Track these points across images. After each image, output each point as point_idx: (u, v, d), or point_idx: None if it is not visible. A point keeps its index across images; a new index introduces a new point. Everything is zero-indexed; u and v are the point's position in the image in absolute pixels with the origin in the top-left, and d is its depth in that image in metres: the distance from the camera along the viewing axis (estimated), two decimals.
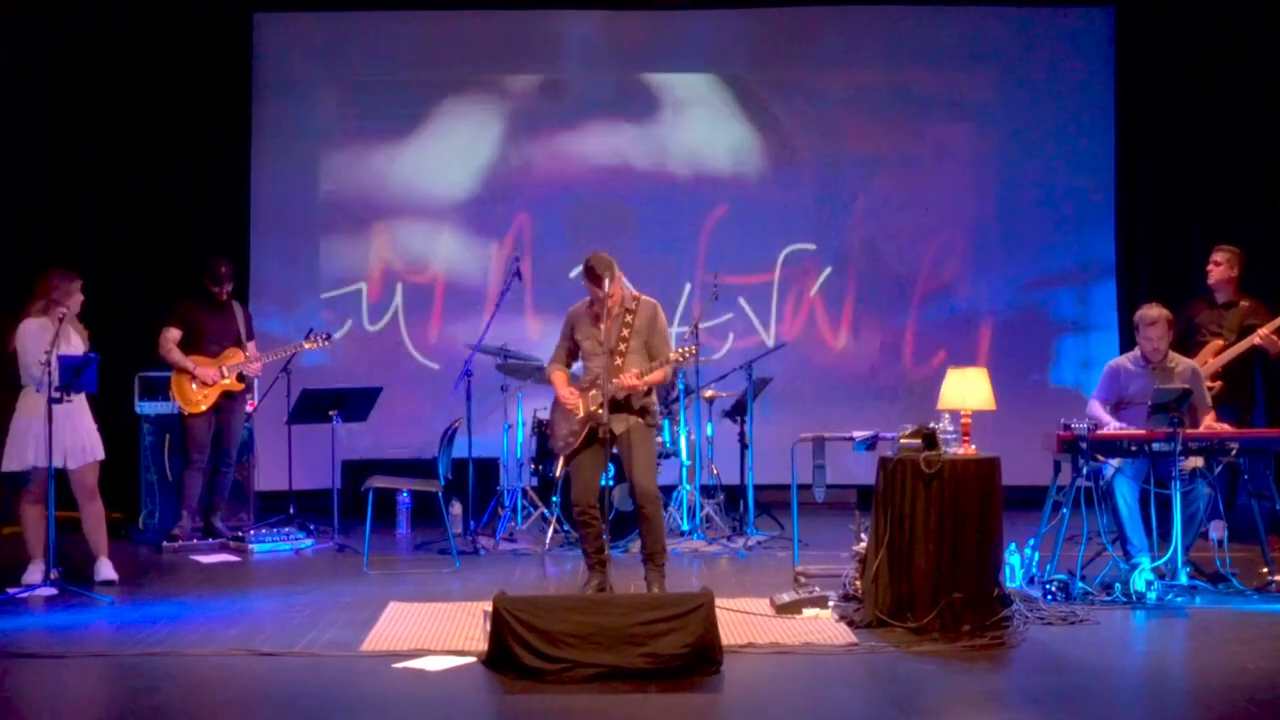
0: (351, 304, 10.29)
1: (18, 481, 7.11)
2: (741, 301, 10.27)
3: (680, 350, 6.48)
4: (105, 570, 7.16)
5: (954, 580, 5.95)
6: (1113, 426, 6.99)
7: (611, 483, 7.30)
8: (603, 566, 6.49)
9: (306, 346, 8.71)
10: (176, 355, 8.49)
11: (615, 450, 6.56)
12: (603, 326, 6.44)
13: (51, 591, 6.79)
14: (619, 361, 6.39)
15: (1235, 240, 8.46)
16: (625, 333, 6.43)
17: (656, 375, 6.44)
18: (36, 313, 7.05)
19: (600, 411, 6.34)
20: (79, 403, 7.03)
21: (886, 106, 10.34)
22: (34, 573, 6.95)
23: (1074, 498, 6.84)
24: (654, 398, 6.63)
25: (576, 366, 6.73)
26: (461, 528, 8.62)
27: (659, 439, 8.32)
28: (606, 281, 6.36)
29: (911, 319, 10.34)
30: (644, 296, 6.57)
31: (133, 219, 9.83)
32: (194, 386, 8.49)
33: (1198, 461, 6.88)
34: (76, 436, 7.00)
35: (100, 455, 7.18)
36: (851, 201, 10.35)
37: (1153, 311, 7.21)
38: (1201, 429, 6.95)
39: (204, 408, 8.50)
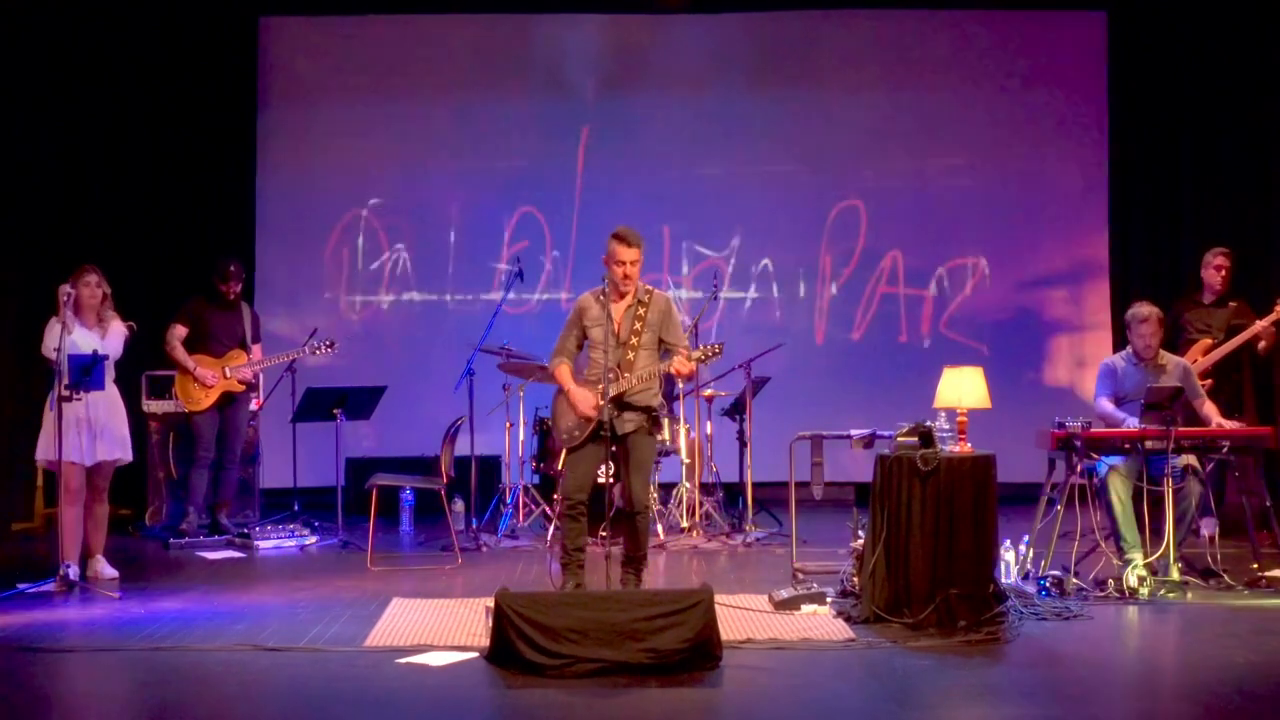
0: (355, 304, 10.36)
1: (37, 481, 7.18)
2: (741, 301, 10.34)
3: (704, 348, 6.34)
4: (105, 569, 7.24)
5: (950, 576, 6.02)
6: (1131, 422, 7.03)
7: (615, 479, 7.32)
8: (580, 568, 6.38)
9: (308, 353, 8.78)
10: (180, 353, 8.56)
11: (615, 449, 6.40)
12: (615, 316, 6.31)
13: (60, 587, 6.86)
14: (630, 356, 6.27)
15: (1226, 241, 8.52)
16: (638, 325, 6.29)
17: (693, 365, 6.34)
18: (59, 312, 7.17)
19: (607, 406, 6.21)
20: (112, 400, 7.14)
21: (882, 109, 10.41)
22: (73, 570, 7.01)
23: (1068, 495, 6.90)
24: (661, 398, 6.52)
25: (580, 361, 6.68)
26: (464, 525, 8.70)
27: (660, 436, 8.40)
28: (636, 250, 6.27)
29: (908, 318, 10.41)
30: (656, 290, 6.46)
31: (138, 221, 9.88)
32: (195, 385, 8.57)
33: (1189, 459, 6.97)
34: (106, 431, 7.11)
35: (127, 456, 7.31)
36: (847, 203, 10.42)
37: (1144, 310, 7.29)
38: (1205, 417, 6.99)
39: (206, 406, 8.57)
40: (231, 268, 8.70)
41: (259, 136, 10.18)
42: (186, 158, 9.95)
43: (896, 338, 10.41)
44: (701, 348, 6.39)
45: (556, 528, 8.34)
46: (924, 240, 10.41)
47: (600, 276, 6.41)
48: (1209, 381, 7.94)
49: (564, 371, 6.46)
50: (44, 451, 7.10)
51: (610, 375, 6.25)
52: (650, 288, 6.44)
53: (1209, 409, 7.17)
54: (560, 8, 10.36)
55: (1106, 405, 7.28)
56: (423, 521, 9.05)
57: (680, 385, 8.48)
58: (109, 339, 7.18)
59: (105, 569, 7.24)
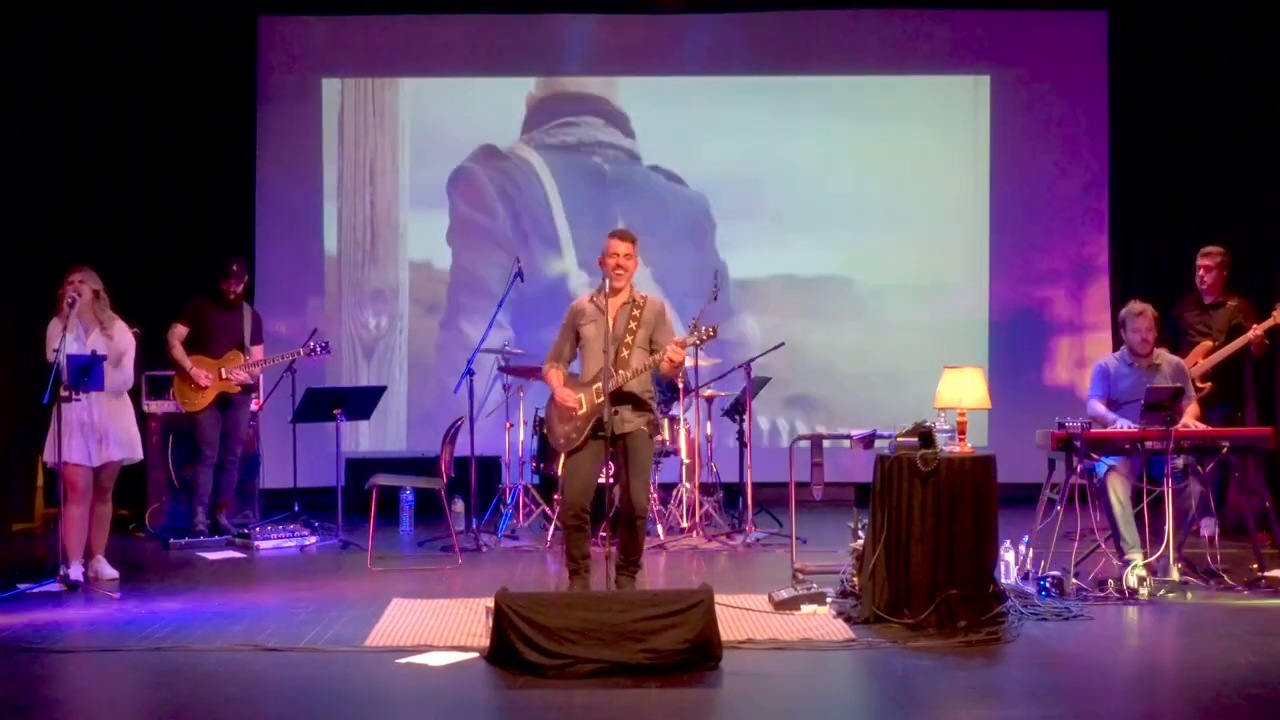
0: (355, 304, 10.37)
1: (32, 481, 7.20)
2: (740, 301, 10.34)
3: (697, 331, 6.29)
4: (105, 569, 7.23)
5: (950, 577, 6.02)
6: (1121, 424, 7.05)
7: (614, 480, 7.31)
8: (586, 573, 6.38)
9: (303, 355, 8.79)
10: (178, 352, 8.57)
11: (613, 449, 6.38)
12: (610, 313, 6.31)
13: (60, 588, 6.86)
14: (625, 354, 6.29)
15: (1226, 241, 8.52)
16: (632, 325, 6.32)
17: (684, 353, 6.32)
18: (57, 311, 7.17)
19: (603, 403, 6.21)
20: (119, 400, 7.13)
21: (882, 108, 10.41)
22: (74, 571, 7.02)
23: (1068, 495, 6.90)
24: (654, 399, 6.55)
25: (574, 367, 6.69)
26: (464, 525, 8.69)
27: (659, 437, 8.41)
28: (628, 244, 6.32)
29: (908, 318, 10.40)
30: (651, 295, 6.51)
31: (138, 221, 9.87)
32: (191, 385, 8.57)
33: (1190, 459, 6.96)
34: (111, 432, 7.09)
35: (136, 455, 7.31)
36: (847, 202, 10.42)
37: (1137, 305, 7.31)
38: (1184, 418, 7.01)
39: (201, 406, 8.58)
40: (234, 266, 8.70)
41: (258, 136, 10.17)
42: (186, 158, 9.95)
43: (894, 336, 10.40)
44: (695, 331, 6.33)
45: (556, 528, 8.34)
46: (923, 239, 10.40)
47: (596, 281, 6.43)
48: (1209, 385, 7.94)
49: (554, 376, 6.50)
50: (50, 453, 7.10)
51: (603, 374, 6.24)
52: (645, 294, 6.48)
53: (1189, 411, 7.15)
54: (559, 8, 10.35)
55: (1098, 407, 7.28)
56: (423, 521, 9.05)
57: (680, 380, 8.43)
58: (117, 343, 7.16)
59: (105, 569, 7.23)
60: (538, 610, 5.33)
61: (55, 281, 7.22)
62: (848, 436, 7.06)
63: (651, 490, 7.84)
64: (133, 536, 8.80)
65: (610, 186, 10.37)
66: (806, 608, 6.31)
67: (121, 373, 7.16)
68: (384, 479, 7.95)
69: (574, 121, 10.40)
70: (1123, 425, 7.02)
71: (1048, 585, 6.62)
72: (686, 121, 10.41)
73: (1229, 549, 7.24)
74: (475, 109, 10.42)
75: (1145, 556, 6.77)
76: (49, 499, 9.05)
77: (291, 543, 8.37)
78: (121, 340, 7.21)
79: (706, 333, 6.32)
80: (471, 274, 10.32)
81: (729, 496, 9.24)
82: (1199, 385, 7.85)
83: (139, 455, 7.37)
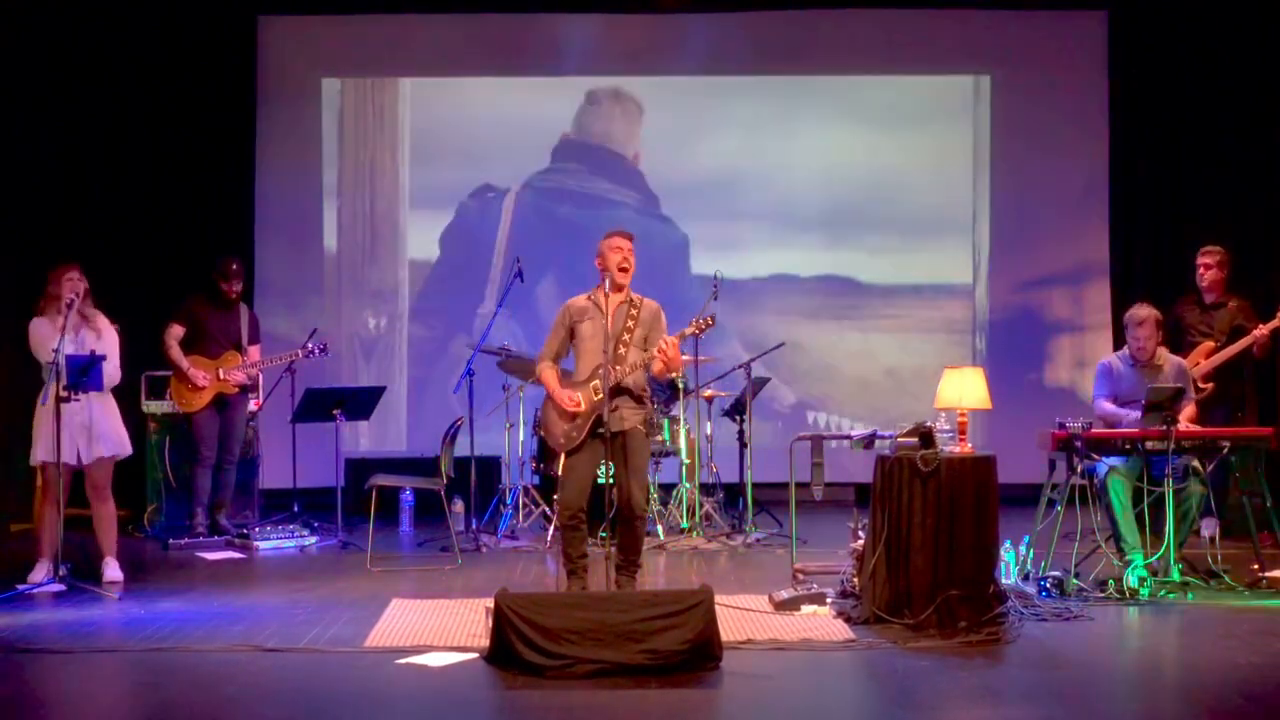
0: (354, 304, 10.36)
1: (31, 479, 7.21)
2: (741, 301, 10.33)
3: (695, 322, 6.32)
4: (112, 570, 7.20)
5: (950, 577, 6.01)
6: (1133, 419, 7.02)
7: (612, 480, 7.29)
8: (584, 572, 6.38)
9: (301, 356, 8.78)
10: (175, 353, 8.56)
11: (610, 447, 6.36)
12: (608, 311, 6.31)
13: (60, 588, 6.85)
14: (622, 351, 6.28)
15: (1227, 241, 8.51)
16: (630, 323, 6.33)
17: (676, 344, 6.31)
18: (42, 310, 7.15)
19: (602, 400, 6.21)
20: (104, 397, 7.10)
21: (882, 108, 10.42)
22: (39, 572, 7.03)
23: (1068, 495, 6.90)
24: (650, 396, 6.54)
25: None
26: (463, 525, 8.69)
27: (659, 437, 8.42)
28: (630, 242, 6.32)
29: (908, 318, 10.41)
30: (646, 298, 6.49)
31: (138, 221, 9.87)
32: (188, 386, 8.57)
33: (1191, 459, 6.96)
34: (99, 429, 7.06)
35: (125, 451, 7.25)
36: (847, 202, 10.42)
37: (1141, 312, 7.28)
38: (1180, 420, 6.99)
39: (198, 407, 8.57)
40: (234, 266, 8.70)
41: (258, 136, 10.17)
42: (186, 158, 9.94)
43: (895, 337, 10.40)
44: (694, 321, 6.33)
45: (556, 529, 8.33)
46: (923, 239, 10.40)
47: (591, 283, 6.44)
48: (1210, 386, 7.94)
49: (550, 375, 6.47)
50: (39, 454, 7.07)
51: (601, 371, 6.25)
52: (641, 296, 6.46)
53: (1187, 412, 7.14)
54: (560, 7, 10.35)
55: (1106, 405, 7.28)
56: (422, 522, 9.05)
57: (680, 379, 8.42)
58: (105, 338, 7.15)
59: (111, 571, 7.19)
60: (537, 611, 5.33)
61: None
62: (848, 436, 7.05)
63: (651, 489, 7.84)
64: (132, 537, 8.79)
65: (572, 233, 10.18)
66: (807, 608, 6.31)
67: (110, 367, 7.14)
68: (384, 479, 7.94)
69: (563, 168, 10.39)
70: (1135, 419, 7.00)
71: (1048, 585, 6.62)
72: (686, 120, 10.40)
73: (1229, 549, 7.23)
74: (476, 108, 10.39)
75: (1146, 557, 6.76)
76: None
77: (291, 543, 8.37)
78: (107, 336, 7.20)
79: (705, 323, 6.33)
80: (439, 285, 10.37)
81: (729, 496, 9.23)
82: (1200, 386, 7.85)
83: (128, 450, 7.31)
